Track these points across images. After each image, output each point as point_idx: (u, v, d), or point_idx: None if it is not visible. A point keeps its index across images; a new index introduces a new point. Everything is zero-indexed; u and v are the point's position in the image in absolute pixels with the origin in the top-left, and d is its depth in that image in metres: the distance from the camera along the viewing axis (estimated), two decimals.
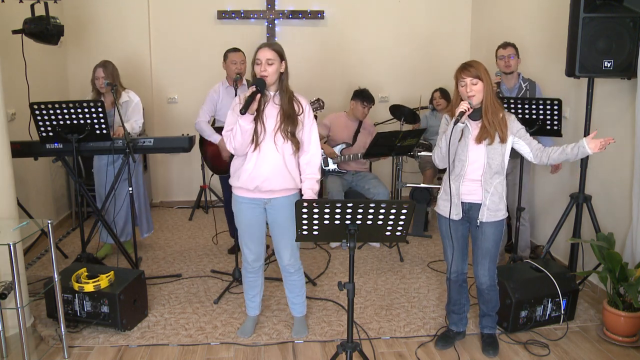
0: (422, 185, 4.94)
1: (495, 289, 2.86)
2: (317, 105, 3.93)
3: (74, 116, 3.41)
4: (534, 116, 3.41)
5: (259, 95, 2.64)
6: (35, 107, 3.37)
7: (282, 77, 2.75)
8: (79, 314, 3.08)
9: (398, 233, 2.33)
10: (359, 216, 2.23)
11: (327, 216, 2.23)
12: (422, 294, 3.64)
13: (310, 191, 2.81)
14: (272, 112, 2.74)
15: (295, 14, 5.57)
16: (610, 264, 3.00)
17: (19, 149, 3.51)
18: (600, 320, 3.20)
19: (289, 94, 2.77)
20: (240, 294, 3.56)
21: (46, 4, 3.63)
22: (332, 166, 4.57)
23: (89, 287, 3.02)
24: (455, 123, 2.57)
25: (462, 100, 2.62)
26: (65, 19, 4.80)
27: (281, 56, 2.72)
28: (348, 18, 5.70)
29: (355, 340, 2.44)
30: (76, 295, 3.05)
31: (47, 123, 3.42)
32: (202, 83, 5.45)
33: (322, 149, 4.49)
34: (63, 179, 5.21)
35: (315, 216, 2.23)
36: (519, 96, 3.75)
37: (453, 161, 2.72)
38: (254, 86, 2.63)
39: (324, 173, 4.60)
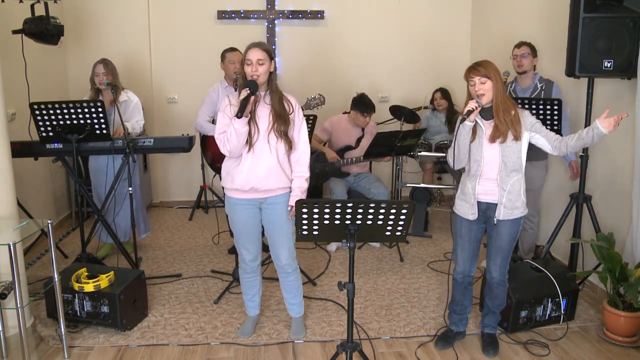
0: (422, 185, 4.93)
1: (504, 284, 2.86)
2: (318, 100, 3.92)
3: (74, 116, 3.41)
4: (534, 116, 3.40)
5: (253, 97, 2.64)
6: (35, 107, 3.37)
7: (272, 76, 2.76)
8: (79, 314, 3.08)
9: (398, 233, 2.33)
10: (359, 216, 2.23)
11: (327, 216, 2.23)
12: (422, 294, 3.64)
13: (298, 190, 2.81)
14: (264, 112, 2.75)
15: (295, 14, 5.57)
16: (610, 264, 3.00)
17: (19, 149, 3.50)
18: (600, 320, 3.20)
19: (279, 94, 2.78)
20: (240, 293, 3.56)
21: (46, 4, 3.63)
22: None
23: (89, 287, 3.02)
24: (462, 121, 2.57)
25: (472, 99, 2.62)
26: (65, 19, 4.80)
27: (271, 56, 2.73)
28: (348, 18, 5.70)
29: (355, 340, 2.44)
30: (76, 295, 3.04)
31: (47, 123, 3.42)
32: (202, 83, 5.43)
33: (324, 152, 4.50)
34: (63, 179, 5.21)
35: (315, 216, 2.23)
36: (533, 97, 3.72)
37: (468, 161, 2.73)
38: (247, 88, 2.63)
39: (326, 176, 4.58)
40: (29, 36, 3.69)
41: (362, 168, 4.68)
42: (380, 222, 2.27)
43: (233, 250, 4.23)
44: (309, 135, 2.97)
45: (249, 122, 2.69)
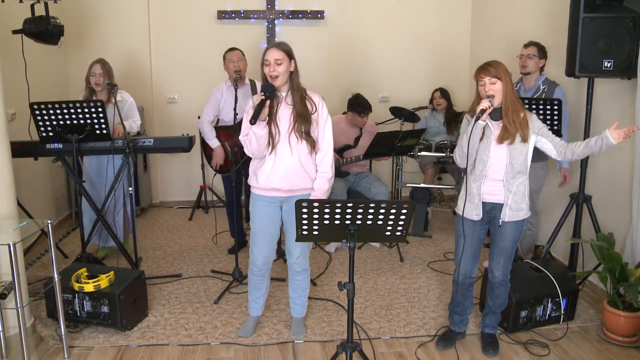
0: (422, 185, 4.93)
1: (506, 284, 2.86)
2: None
3: (74, 116, 3.41)
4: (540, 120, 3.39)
5: (268, 102, 2.62)
6: (35, 107, 3.37)
7: (293, 76, 2.75)
8: (79, 314, 3.08)
9: (398, 233, 2.33)
10: (359, 216, 2.23)
11: (327, 216, 2.23)
12: (422, 294, 3.64)
13: (319, 190, 2.80)
14: (285, 113, 2.74)
15: (295, 14, 5.57)
16: (610, 264, 3.00)
17: (19, 149, 3.50)
18: (600, 320, 3.20)
19: (301, 93, 2.76)
20: (241, 293, 3.57)
21: (46, 4, 3.63)
22: None
23: (89, 287, 3.02)
24: (476, 120, 2.57)
25: (482, 100, 2.62)
26: (65, 19, 4.79)
27: (290, 55, 2.72)
28: (348, 18, 5.69)
29: (355, 340, 2.44)
30: (76, 295, 3.04)
31: (47, 123, 3.42)
32: (202, 83, 5.45)
33: None
34: (63, 179, 5.21)
35: (315, 216, 2.23)
36: (533, 97, 3.71)
37: (474, 161, 2.72)
38: (263, 93, 2.61)
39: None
40: (29, 36, 3.69)
41: (362, 167, 4.68)
42: (380, 222, 2.27)
43: (233, 251, 4.23)
44: None
45: (269, 124, 2.68)
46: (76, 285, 3.03)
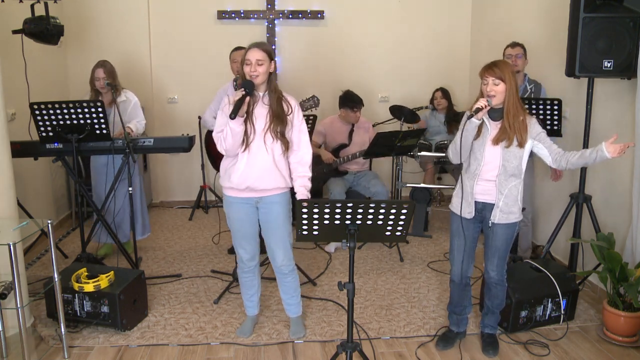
0: (422, 185, 4.93)
1: (503, 284, 2.86)
2: (312, 102, 3.93)
3: (73, 116, 3.41)
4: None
5: (247, 98, 2.64)
6: (35, 107, 3.36)
7: (271, 77, 2.76)
8: (79, 314, 3.08)
9: (398, 233, 2.33)
10: (359, 216, 2.23)
11: (327, 216, 2.23)
12: (422, 294, 3.64)
13: (303, 189, 2.83)
14: (261, 112, 2.76)
15: (295, 14, 5.57)
16: (610, 264, 3.00)
17: (19, 149, 3.50)
18: (600, 320, 3.20)
19: (278, 94, 2.78)
20: (241, 293, 3.56)
21: (46, 4, 3.63)
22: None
23: (89, 287, 3.02)
24: (469, 117, 2.57)
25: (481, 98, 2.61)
26: (65, 19, 4.79)
27: (270, 56, 2.74)
28: (348, 18, 5.69)
29: (355, 340, 2.44)
30: (76, 295, 3.04)
31: (47, 123, 3.42)
32: (202, 83, 5.46)
33: (319, 154, 4.50)
34: (63, 179, 5.21)
35: (315, 216, 2.23)
36: (533, 98, 3.73)
37: (468, 158, 2.72)
38: (242, 89, 2.64)
39: (324, 177, 4.58)
40: (29, 36, 3.69)
41: (362, 166, 4.68)
42: (380, 222, 2.27)
43: (233, 250, 4.22)
44: (309, 135, 2.96)
45: (245, 122, 2.70)
46: (76, 285, 3.03)
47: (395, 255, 4.34)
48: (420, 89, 5.69)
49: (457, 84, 5.75)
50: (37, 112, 3.38)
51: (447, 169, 5.26)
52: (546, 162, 2.73)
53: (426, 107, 5.37)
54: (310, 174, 2.87)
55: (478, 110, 2.55)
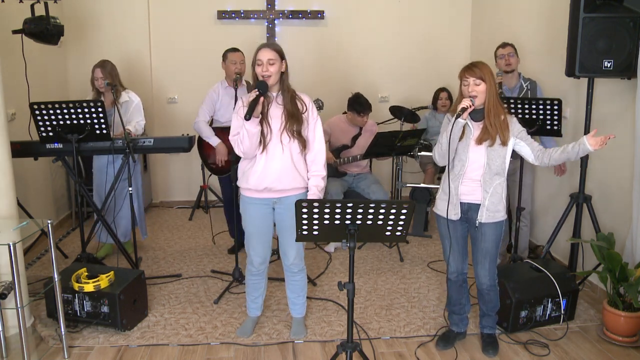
0: (422, 185, 4.93)
1: (495, 289, 2.86)
2: (317, 105, 3.95)
3: (73, 116, 3.41)
4: (534, 116, 3.40)
5: (262, 99, 2.63)
6: (35, 107, 3.36)
7: (283, 76, 2.75)
8: (79, 314, 3.08)
9: (398, 233, 2.33)
10: (359, 216, 2.23)
11: (327, 216, 2.23)
12: (422, 294, 3.64)
13: (315, 189, 2.81)
14: (276, 113, 2.75)
15: (295, 14, 5.57)
16: (610, 264, 3.00)
17: (19, 149, 3.50)
18: (600, 320, 3.20)
19: (291, 93, 2.78)
20: (241, 293, 3.56)
21: (46, 4, 3.63)
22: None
23: (89, 287, 3.02)
24: (456, 118, 2.58)
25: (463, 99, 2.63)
26: (65, 19, 4.79)
27: (281, 56, 2.72)
28: (348, 18, 5.69)
29: (355, 340, 2.44)
30: (76, 295, 3.05)
31: (47, 123, 3.42)
32: (202, 83, 5.43)
33: None
34: (63, 179, 5.21)
35: (315, 216, 2.23)
36: (520, 96, 3.75)
37: (453, 160, 2.73)
38: (257, 90, 2.62)
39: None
40: (29, 36, 3.69)
41: (362, 168, 4.67)
42: (380, 222, 2.27)
43: (233, 250, 4.23)
44: None
45: (261, 123, 2.69)
46: (76, 285, 3.03)
47: (395, 255, 4.34)
48: (420, 89, 5.69)
49: (456, 84, 5.68)
50: (37, 112, 3.38)
51: None
52: (528, 160, 2.76)
53: (427, 107, 5.37)
54: (324, 173, 2.85)
55: (464, 109, 2.57)
